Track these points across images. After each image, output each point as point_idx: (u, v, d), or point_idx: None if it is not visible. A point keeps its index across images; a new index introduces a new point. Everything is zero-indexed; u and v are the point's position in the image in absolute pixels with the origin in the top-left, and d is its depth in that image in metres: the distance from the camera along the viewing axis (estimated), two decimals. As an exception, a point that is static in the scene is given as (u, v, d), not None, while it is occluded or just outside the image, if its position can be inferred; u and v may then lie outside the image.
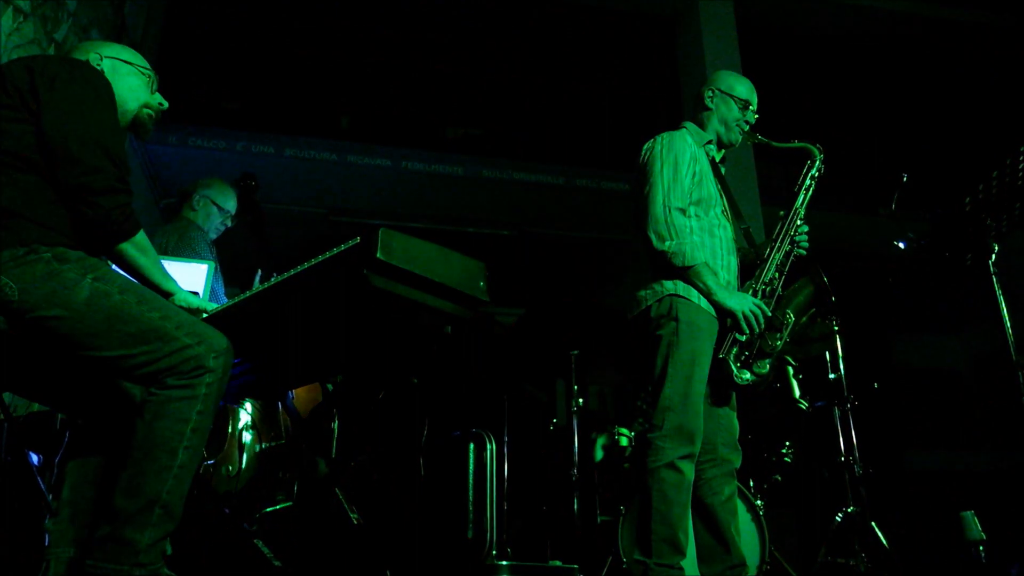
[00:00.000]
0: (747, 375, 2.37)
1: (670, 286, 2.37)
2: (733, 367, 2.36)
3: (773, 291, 2.46)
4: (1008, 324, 2.18)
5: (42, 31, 3.87)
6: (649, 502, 2.22)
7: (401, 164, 5.80)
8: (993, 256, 2.24)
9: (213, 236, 3.50)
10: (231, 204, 3.54)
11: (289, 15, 7.15)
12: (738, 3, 6.70)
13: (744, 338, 2.36)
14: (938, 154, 7.10)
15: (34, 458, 2.73)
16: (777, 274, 2.48)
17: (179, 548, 2.29)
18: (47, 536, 1.82)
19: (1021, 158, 2.21)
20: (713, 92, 2.63)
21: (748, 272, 2.56)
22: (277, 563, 2.12)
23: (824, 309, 3.35)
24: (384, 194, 6.06)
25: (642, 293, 2.44)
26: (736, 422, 2.50)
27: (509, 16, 7.31)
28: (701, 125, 2.63)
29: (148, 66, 1.95)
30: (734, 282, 2.50)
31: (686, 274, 2.34)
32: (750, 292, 2.43)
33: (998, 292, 2.22)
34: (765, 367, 2.40)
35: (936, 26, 7.11)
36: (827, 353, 3.64)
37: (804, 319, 2.60)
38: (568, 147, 6.79)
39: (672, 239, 2.33)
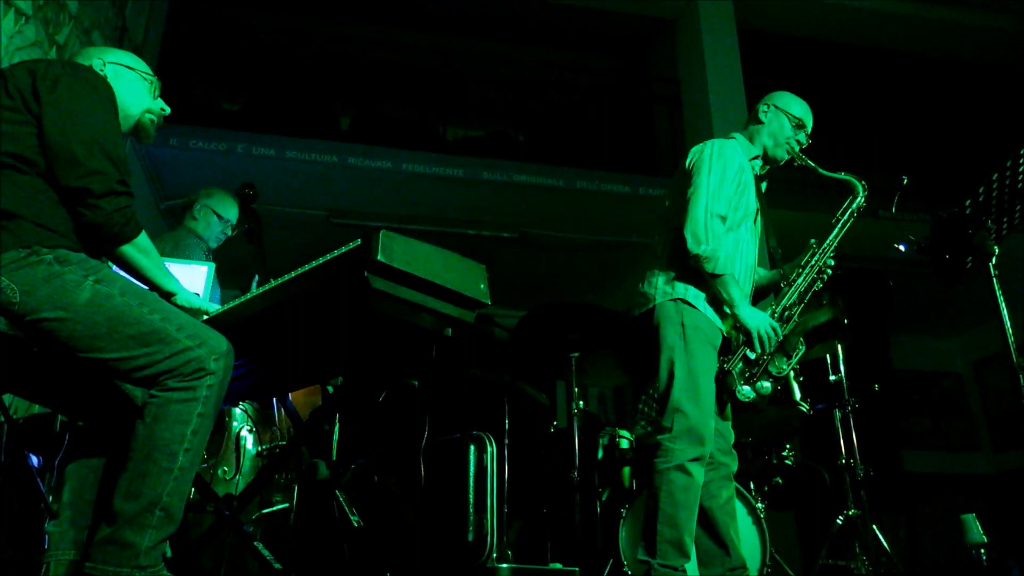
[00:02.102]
0: (748, 392, 2.39)
1: (680, 290, 2.37)
2: (737, 381, 2.37)
3: (790, 317, 2.47)
4: (1008, 326, 2.18)
5: (44, 33, 3.87)
6: (657, 503, 2.22)
7: (402, 166, 5.78)
8: (993, 259, 2.23)
9: (214, 245, 3.54)
10: (232, 213, 3.57)
11: (289, 15, 7.16)
12: (738, 3, 6.70)
13: (754, 356, 2.37)
14: (938, 155, 7.09)
15: (34, 460, 2.73)
16: (797, 300, 2.50)
17: (179, 550, 2.30)
18: (47, 538, 1.82)
19: (1021, 160, 2.21)
20: (768, 107, 2.63)
21: (762, 294, 2.57)
22: (278, 565, 2.11)
23: (836, 337, 3.37)
24: (385, 196, 6.05)
25: (649, 292, 2.44)
26: (731, 430, 2.51)
27: (509, 16, 7.31)
28: (750, 139, 2.64)
29: (150, 71, 1.96)
30: None
31: (715, 281, 2.34)
32: (768, 312, 2.44)
33: (999, 295, 2.22)
34: (767, 387, 2.41)
35: (936, 27, 7.12)
36: (827, 356, 3.64)
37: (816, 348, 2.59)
38: (568, 148, 6.79)
39: (709, 243, 2.33)
